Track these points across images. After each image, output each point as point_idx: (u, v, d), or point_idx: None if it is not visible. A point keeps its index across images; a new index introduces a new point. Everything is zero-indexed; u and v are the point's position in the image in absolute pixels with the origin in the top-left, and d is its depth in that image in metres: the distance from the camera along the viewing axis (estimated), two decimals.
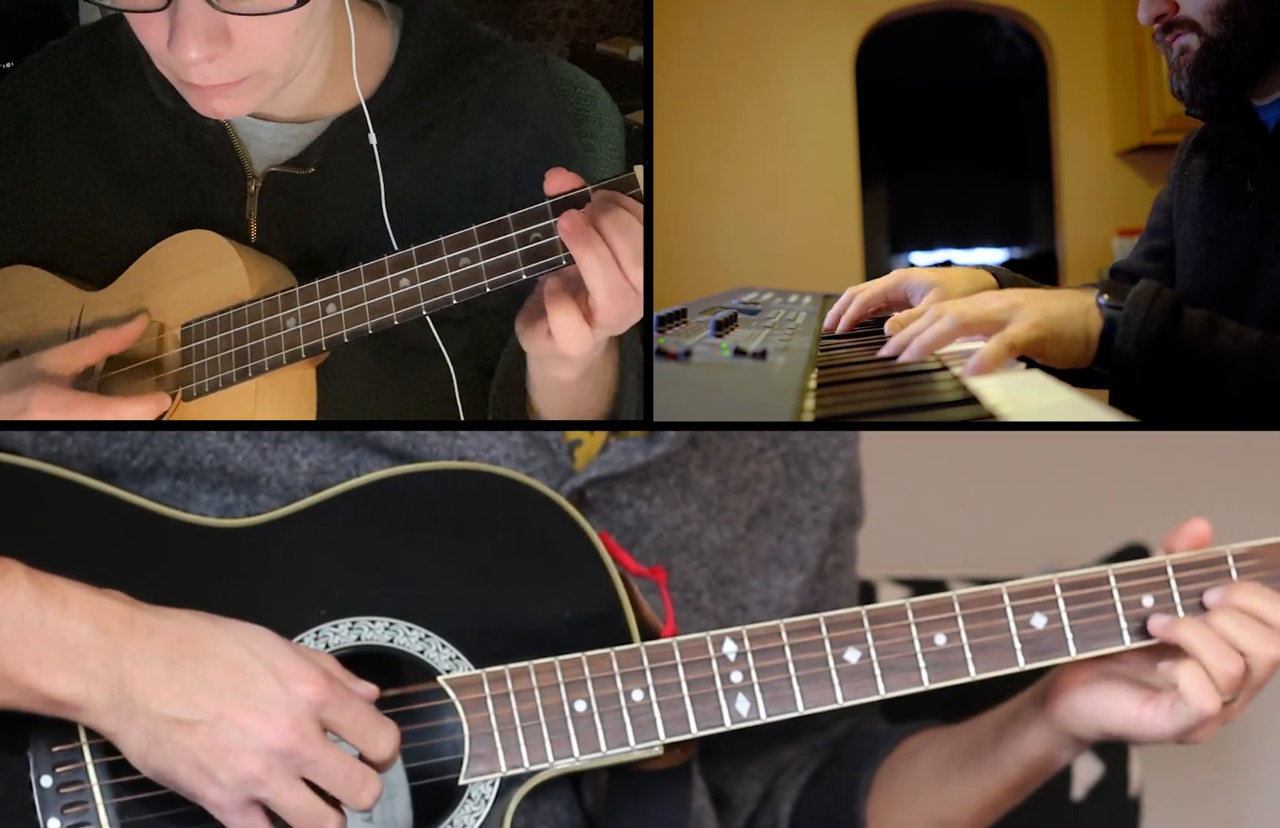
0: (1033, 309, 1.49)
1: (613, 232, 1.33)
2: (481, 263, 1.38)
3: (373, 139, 1.51)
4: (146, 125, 1.56)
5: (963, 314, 1.52)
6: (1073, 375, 1.54)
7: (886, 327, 1.71)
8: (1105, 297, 1.50)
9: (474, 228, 1.38)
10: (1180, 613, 1.43)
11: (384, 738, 1.30)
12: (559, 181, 1.36)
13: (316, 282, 1.44)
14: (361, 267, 1.42)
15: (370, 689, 1.32)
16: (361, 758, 1.30)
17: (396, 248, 1.45)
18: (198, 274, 1.51)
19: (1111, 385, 1.53)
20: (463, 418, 1.51)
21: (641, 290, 1.35)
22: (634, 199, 1.35)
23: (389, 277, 1.41)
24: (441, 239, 1.39)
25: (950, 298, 1.77)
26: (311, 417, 1.49)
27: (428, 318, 1.44)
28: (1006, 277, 1.93)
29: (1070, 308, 1.50)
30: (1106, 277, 2.02)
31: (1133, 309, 1.47)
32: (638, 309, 1.36)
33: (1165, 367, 1.46)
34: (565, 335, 1.36)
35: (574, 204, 1.35)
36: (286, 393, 1.48)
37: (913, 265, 3.48)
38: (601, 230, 1.33)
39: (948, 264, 3.37)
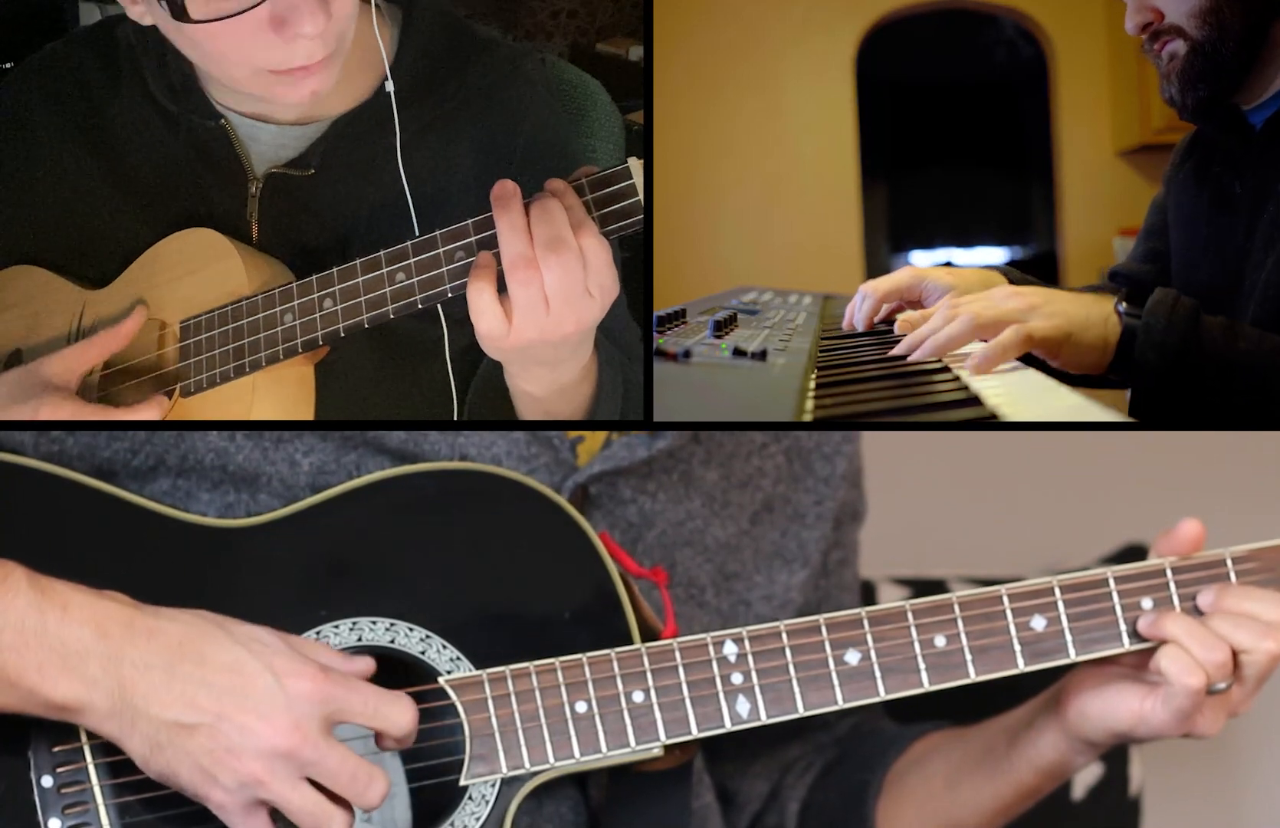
0: (1051, 309, 1.50)
1: (532, 210, 1.34)
2: (477, 256, 1.38)
3: (390, 86, 1.50)
4: (147, 127, 1.56)
5: (979, 315, 1.52)
6: (1082, 379, 1.55)
7: (897, 326, 1.71)
8: (1124, 305, 1.50)
9: (469, 222, 1.39)
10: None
11: (398, 711, 1.30)
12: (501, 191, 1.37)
13: (314, 277, 1.44)
14: (358, 262, 1.42)
15: (366, 664, 1.31)
16: (379, 741, 1.30)
17: (415, 219, 1.45)
18: (197, 271, 1.51)
19: (1132, 392, 1.54)
20: (458, 415, 1.51)
21: (565, 287, 1.34)
22: (606, 198, 1.36)
23: (385, 271, 1.41)
24: (437, 233, 1.40)
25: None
26: (310, 413, 1.49)
27: (439, 308, 1.44)
28: (1017, 278, 1.94)
29: (1089, 313, 1.50)
30: (1105, 279, 2.03)
31: (1153, 317, 1.47)
32: (557, 319, 1.34)
33: (1188, 373, 1.46)
34: (474, 304, 1.36)
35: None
36: (285, 389, 1.48)
37: (912, 265, 3.48)
38: (528, 211, 1.34)
39: (948, 265, 3.37)
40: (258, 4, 1.37)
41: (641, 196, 1.36)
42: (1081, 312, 1.50)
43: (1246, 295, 1.60)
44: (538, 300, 1.34)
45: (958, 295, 1.82)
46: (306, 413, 1.49)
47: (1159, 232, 1.86)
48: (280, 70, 1.42)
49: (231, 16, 1.37)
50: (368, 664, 1.31)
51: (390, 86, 1.50)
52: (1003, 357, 1.46)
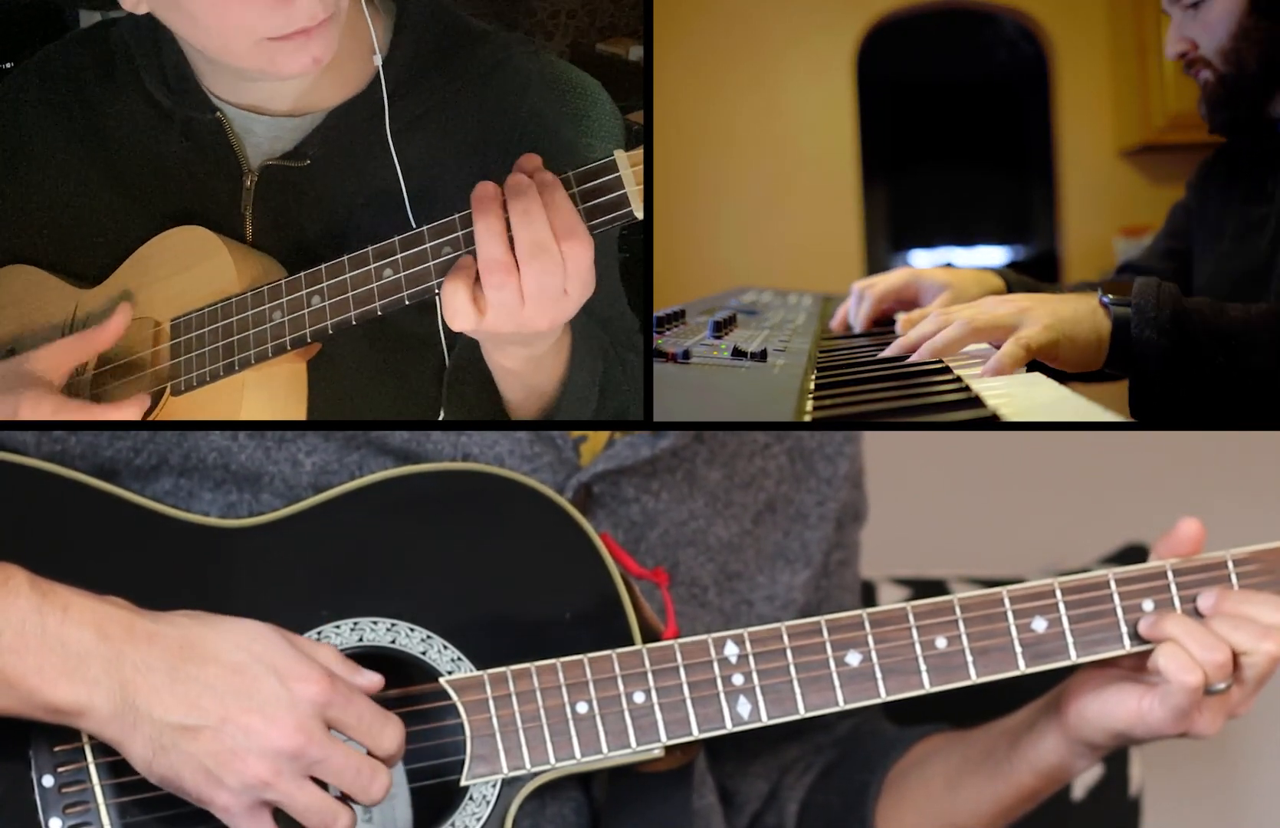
0: (1042, 312, 1.54)
1: (513, 209, 1.34)
2: (464, 251, 1.38)
3: (378, 60, 1.51)
4: (143, 124, 1.57)
5: (973, 319, 1.56)
6: (1082, 377, 1.57)
7: (898, 326, 1.71)
8: (1108, 296, 1.53)
9: (456, 216, 1.39)
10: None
11: (389, 733, 1.30)
12: (530, 166, 1.38)
13: (302, 274, 1.45)
14: (346, 258, 1.43)
15: (374, 679, 1.32)
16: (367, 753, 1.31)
17: (410, 208, 1.46)
18: (187, 269, 1.51)
19: (1132, 383, 1.56)
20: (445, 413, 1.51)
21: (542, 289, 1.34)
22: (593, 190, 1.36)
23: (372, 267, 1.42)
24: (424, 229, 1.40)
25: (961, 299, 1.81)
26: (303, 411, 1.50)
27: (433, 302, 1.44)
28: (1014, 279, 1.96)
29: (1078, 310, 1.54)
30: (1117, 274, 2.04)
31: (1142, 298, 1.51)
32: (531, 316, 1.35)
33: (1189, 347, 1.50)
34: (448, 307, 1.37)
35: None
36: (276, 387, 1.48)
37: (908, 265, 3.49)
38: (507, 208, 1.35)
39: (948, 265, 3.37)
40: None
41: (628, 190, 1.36)
42: (1069, 310, 1.54)
43: (1273, 290, 1.63)
44: (513, 302, 1.35)
45: (954, 294, 1.84)
46: (299, 411, 1.49)
47: (1180, 233, 1.90)
48: (281, 36, 1.42)
49: None
50: (375, 681, 1.32)
51: (378, 60, 1.50)
52: (1010, 368, 1.50)
